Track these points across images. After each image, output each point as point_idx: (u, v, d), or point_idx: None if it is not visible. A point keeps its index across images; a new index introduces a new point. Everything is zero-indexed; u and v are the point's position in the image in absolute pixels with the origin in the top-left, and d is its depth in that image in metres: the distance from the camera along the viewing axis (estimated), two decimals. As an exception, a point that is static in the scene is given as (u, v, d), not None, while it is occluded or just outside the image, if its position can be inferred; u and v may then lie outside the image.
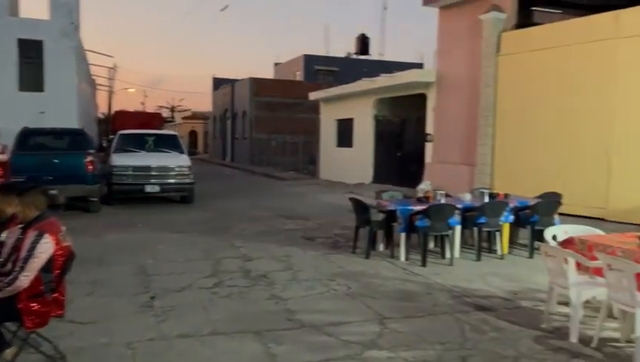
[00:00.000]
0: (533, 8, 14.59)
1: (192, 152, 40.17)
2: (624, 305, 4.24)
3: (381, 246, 8.20)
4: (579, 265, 4.81)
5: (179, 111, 60.68)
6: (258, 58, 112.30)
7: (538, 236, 7.77)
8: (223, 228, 10.14)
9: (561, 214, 10.16)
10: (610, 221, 10.52)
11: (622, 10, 10.60)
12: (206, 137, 50.30)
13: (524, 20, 13.57)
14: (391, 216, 7.78)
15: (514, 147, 12.69)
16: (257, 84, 32.45)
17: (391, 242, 7.96)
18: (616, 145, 10.64)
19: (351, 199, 8.48)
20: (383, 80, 16.75)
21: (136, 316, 5.17)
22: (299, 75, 39.94)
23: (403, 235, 7.62)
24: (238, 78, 35.82)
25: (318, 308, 5.51)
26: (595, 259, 4.76)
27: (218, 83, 41.92)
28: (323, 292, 6.02)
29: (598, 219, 10.68)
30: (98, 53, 35.72)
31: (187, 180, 13.15)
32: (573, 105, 11.43)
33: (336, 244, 8.73)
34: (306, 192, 17.34)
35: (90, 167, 11.62)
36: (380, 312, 5.32)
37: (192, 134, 53.94)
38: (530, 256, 7.86)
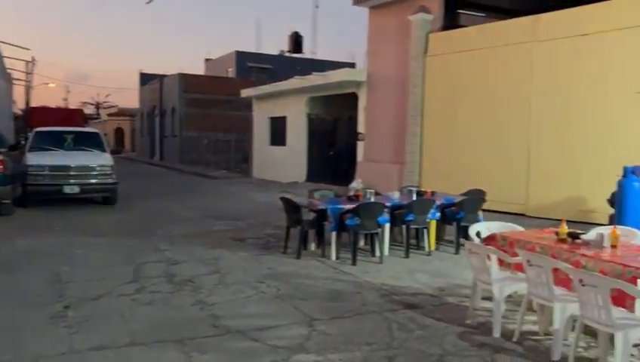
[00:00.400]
0: (460, 11, 15.06)
1: (117, 151, 38.60)
2: (543, 299, 4.37)
3: (312, 246, 8.12)
4: (501, 261, 4.93)
5: (104, 108, 58.18)
6: (188, 53, 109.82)
7: (464, 232, 7.98)
8: (147, 230, 9.70)
9: (485, 210, 10.51)
10: (531, 216, 11.01)
11: (540, 15, 11.09)
12: (133, 135, 48.45)
13: (451, 22, 13.97)
14: (322, 215, 7.72)
15: (441, 146, 13.03)
16: (187, 80, 31.61)
17: (322, 241, 7.90)
18: (534, 144, 11.12)
19: (282, 199, 8.34)
20: (315, 78, 16.73)
21: (46, 328, 4.79)
22: (231, 72, 39.30)
23: (334, 234, 7.58)
24: (167, 74, 34.75)
25: (246, 313, 5.33)
26: (516, 255, 4.89)
27: (146, 79, 40.44)
28: (251, 296, 5.85)
29: (520, 214, 11.17)
30: (13, 45, 33.41)
31: (109, 180, 12.50)
32: (495, 106, 11.87)
33: (267, 245, 8.57)
34: (237, 192, 17.03)
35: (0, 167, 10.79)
36: (309, 314, 5.22)
37: (119, 132, 51.82)
38: (457, 252, 8.04)
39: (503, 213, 11.33)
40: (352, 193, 8.38)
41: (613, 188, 8.99)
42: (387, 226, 7.91)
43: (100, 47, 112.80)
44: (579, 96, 10.35)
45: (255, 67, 38.41)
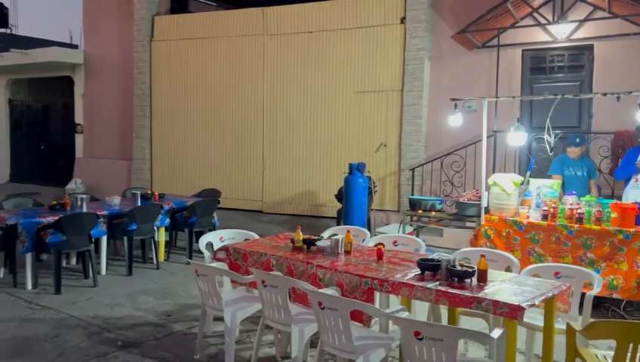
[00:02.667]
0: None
1: None
2: (279, 324, 3.77)
3: (1, 272, 6.25)
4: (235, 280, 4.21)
5: None
6: None
7: (198, 238, 7.19)
8: None
9: (224, 209, 9.96)
10: (267, 213, 10.85)
11: (269, 7, 10.90)
12: None
13: (179, 6, 12.92)
14: (12, 232, 5.93)
15: (172, 141, 11.94)
16: None
17: (14, 266, 6.11)
18: (268, 141, 10.96)
19: (-49, 213, 6.19)
20: (14, 57, 13.74)
21: None
22: None
23: (29, 256, 5.89)
24: None
25: None
26: (251, 267, 4.24)
27: None
28: None
29: (258, 211, 10.93)
30: None
31: None
32: (230, 100, 11.33)
33: None
34: None
35: None
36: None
37: None
38: (189, 263, 7.13)
39: (243, 210, 10.97)
40: (59, 200, 6.71)
41: (340, 183, 9.32)
42: (104, 239, 6.56)
43: None
44: (307, 93, 10.50)
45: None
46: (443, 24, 9.35)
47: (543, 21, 8.35)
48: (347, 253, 4.33)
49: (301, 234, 4.54)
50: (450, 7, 9.31)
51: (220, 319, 4.30)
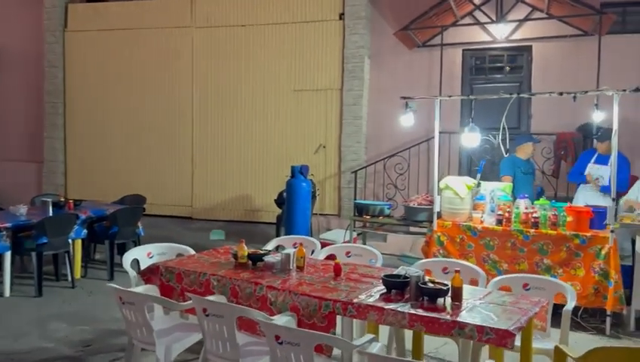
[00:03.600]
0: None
1: None
2: (225, 360, 3.18)
3: None
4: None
5: None
6: None
7: (121, 251, 6.40)
8: None
9: (151, 216, 9.11)
10: (197, 219, 10.10)
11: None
12: None
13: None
14: None
15: (91, 142, 10.85)
16: None
17: None
18: (197, 140, 10.21)
19: None
20: None
21: None
22: None
23: None
24: None
25: None
26: (186, 291, 3.63)
27: None
28: None
29: (187, 218, 10.15)
30: None
31: None
32: (155, 96, 10.44)
33: None
34: None
35: None
36: None
37: None
38: (110, 278, 6.33)
39: (172, 216, 10.15)
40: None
41: (277, 187, 8.78)
42: (8, 256, 5.63)
43: None
44: (241, 91, 9.85)
45: None
46: (383, 21, 9.04)
47: (485, 19, 8.23)
48: (300, 268, 3.81)
49: (245, 248, 3.97)
50: (389, 4, 9.02)
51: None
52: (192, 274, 3.77)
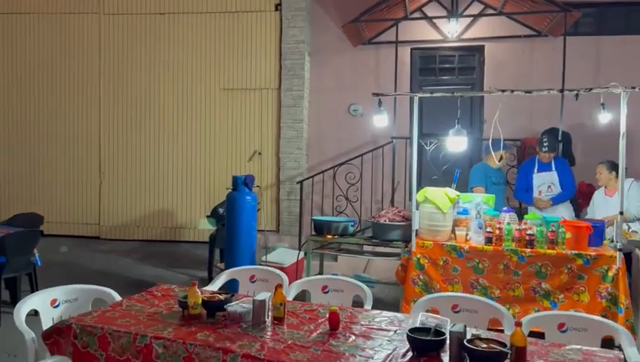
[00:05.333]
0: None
1: None
2: None
3: None
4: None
5: None
6: None
7: (11, 287, 5.01)
8: None
9: (49, 236, 7.63)
10: (106, 239, 8.59)
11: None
12: None
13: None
14: None
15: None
16: None
17: None
18: (105, 146, 8.71)
19: None
20: None
21: None
22: None
23: None
24: None
25: None
26: (117, 360, 2.46)
27: None
28: None
29: (94, 238, 8.62)
30: None
31: None
32: (53, 92, 8.79)
33: None
34: None
35: None
36: None
37: None
38: (-3, 325, 4.84)
39: (78, 236, 8.60)
40: None
41: (209, 200, 7.63)
42: None
43: None
44: (159, 89, 8.51)
45: None
46: (324, 14, 8.16)
47: (437, 13, 7.60)
48: (278, 320, 2.76)
49: (199, 292, 2.85)
50: (331, -4, 8.16)
51: None
52: (123, 336, 2.58)
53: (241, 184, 5.35)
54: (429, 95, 4.84)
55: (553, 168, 5.61)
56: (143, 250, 8.04)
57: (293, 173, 7.91)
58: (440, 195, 4.63)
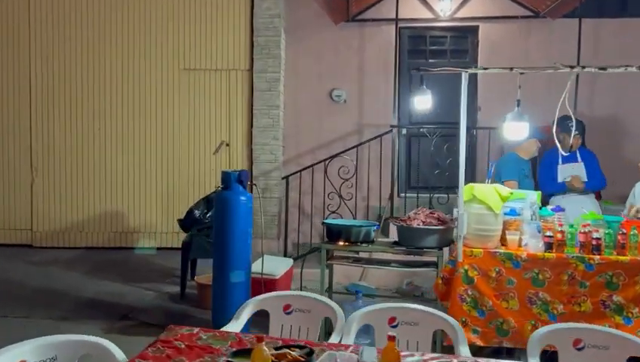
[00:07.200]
0: None
1: None
2: None
3: None
4: None
5: None
6: None
7: None
8: None
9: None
10: (41, 247, 7.19)
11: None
12: None
13: None
14: None
15: None
16: None
17: None
18: (40, 140, 7.28)
19: None
20: None
21: None
22: None
23: None
24: None
25: None
26: None
27: None
28: None
29: (25, 246, 7.20)
30: None
31: None
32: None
33: None
34: None
35: None
36: None
37: None
38: None
39: (7, 245, 7.16)
40: None
41: (170, 200, 6.53)
42: None
43: None
44: (104, 69, 7.18)
45: None
46: (300, -15, 7.19)
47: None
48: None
49: (266, 351, 1.87)
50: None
51: None
52: None
53: (235, 182, 4.30)
54: (482, 70, 4.03)
55: (579, 159, 5.05)
56: (88, 259, 6.74)
57: (268, 166, 6.89)
58: (491, 192, 3.86)
